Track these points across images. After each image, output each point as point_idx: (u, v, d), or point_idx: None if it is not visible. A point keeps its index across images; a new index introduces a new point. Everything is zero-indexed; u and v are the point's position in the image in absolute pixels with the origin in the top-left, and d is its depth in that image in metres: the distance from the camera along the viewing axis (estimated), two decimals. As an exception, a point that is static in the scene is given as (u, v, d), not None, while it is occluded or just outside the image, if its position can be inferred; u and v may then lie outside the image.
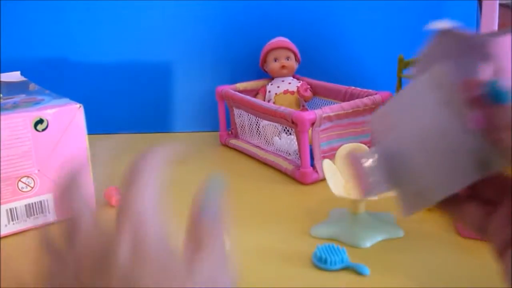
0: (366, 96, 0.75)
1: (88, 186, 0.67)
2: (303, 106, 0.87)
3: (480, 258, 0.47)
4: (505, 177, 0.29)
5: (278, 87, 0.87)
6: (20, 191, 0.56)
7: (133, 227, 0.24)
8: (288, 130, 0.74)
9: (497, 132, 0.26)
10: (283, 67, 0.87)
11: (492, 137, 0.26)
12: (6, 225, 0.55)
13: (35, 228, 0.57)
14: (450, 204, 0.30)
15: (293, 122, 0.67)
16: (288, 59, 0.88)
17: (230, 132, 0.88)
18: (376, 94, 0.74)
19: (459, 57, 0.29)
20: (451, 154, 0.27)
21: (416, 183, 0.29)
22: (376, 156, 0.31)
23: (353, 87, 0.79)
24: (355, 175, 0.31)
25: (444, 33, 0.29)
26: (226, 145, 0.86)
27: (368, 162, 0.30)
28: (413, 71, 0.31)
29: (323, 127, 0.68)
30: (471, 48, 0.29)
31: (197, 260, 0.24)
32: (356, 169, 0.31)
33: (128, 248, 0.23)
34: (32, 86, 0.68)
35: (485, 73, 0.27)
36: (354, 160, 0.31)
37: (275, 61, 0.88)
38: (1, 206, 0.55)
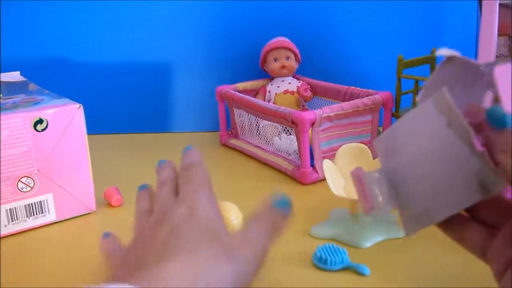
0: (366, 96, 0.75)
1: (88, 186, 0.67)
2: (303, 106, 0.87)
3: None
4: (507, 201, 0.30)
5: (278, 87, 0.87)
6: (19, 191, 0.56)
7: (192, 194, 0.33)
8: (288, 130, 0.74)
9: (497, 156, 0.27)
10: (283, 67, 0.87)
11: (493, 160, 0.27)
12: (6, 225, 0.55)
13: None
14: (451, 225, 0.31)
15: (293, 122, 0.67)
16: (288, 59, 0.87)
17: (230, 132, 0.88)
18: (376, 94, 0.74)
19: (464, 83, 0.31)
20: (454, 175, 0.28)
21: (419, 203, 0.31)
22: (381, 176, 0.32)
23: (353, 87, 0.79)
24: (359, 193, 0.33)
25: (451, 59, 0.31)
26: (226, 145, 0.86)
27: (373, 182, 0.32)
28: (420, 95, 0.32)
29: (323, 127, 0.68)
30: (475, 76, 0.30)
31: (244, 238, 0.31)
32: (360, 188, 0.32)
33: (184, 209, 0.31)
34: (32, 86, 0.68)
35: (487, 99, 0.29)
36: (358, 180, 0.33)
37: (275, 61, 0.88)
38: (1, 206, 0.55)
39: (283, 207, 0.35)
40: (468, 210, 0.31)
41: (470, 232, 0.31)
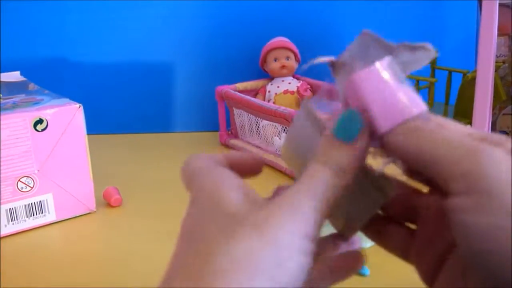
0: (366, 96, 0.74)
1: (88, 186, 0.67)
2: (303, 106, 0.87)
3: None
4: (414, 195, 0.28)
5: (278, 87, 0.87)
6: (19, 191, 0.56)
7: None
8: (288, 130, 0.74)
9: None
10: (283, 67, 0.87)
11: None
12: (6, 225, 0.55)
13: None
14: (372, 229, 0.29)
15: (293, 122, 0.67)
16: (288, 59, 0.87)
17: (230, 132, 0.88)
18: (376, 94, 0.74)
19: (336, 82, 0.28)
20: (350, 184, 0.26)
21: (337, 215, 0.28)
22: None
23: (353, 87, 0.79)
24: None
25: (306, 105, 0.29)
26: (226, 145, 0.86)
27: None
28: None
29: (323, 127, 0.68)
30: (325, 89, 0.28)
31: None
32: None
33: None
34: (32, 86, 0.68)
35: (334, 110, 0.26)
36: None
37: (275, 61, 0.88)
38: (1, 206, 0.55)
39: (347, 135, 0.23)
40: (382, 209, 0.28)
41: (389, 232, 0.28)
